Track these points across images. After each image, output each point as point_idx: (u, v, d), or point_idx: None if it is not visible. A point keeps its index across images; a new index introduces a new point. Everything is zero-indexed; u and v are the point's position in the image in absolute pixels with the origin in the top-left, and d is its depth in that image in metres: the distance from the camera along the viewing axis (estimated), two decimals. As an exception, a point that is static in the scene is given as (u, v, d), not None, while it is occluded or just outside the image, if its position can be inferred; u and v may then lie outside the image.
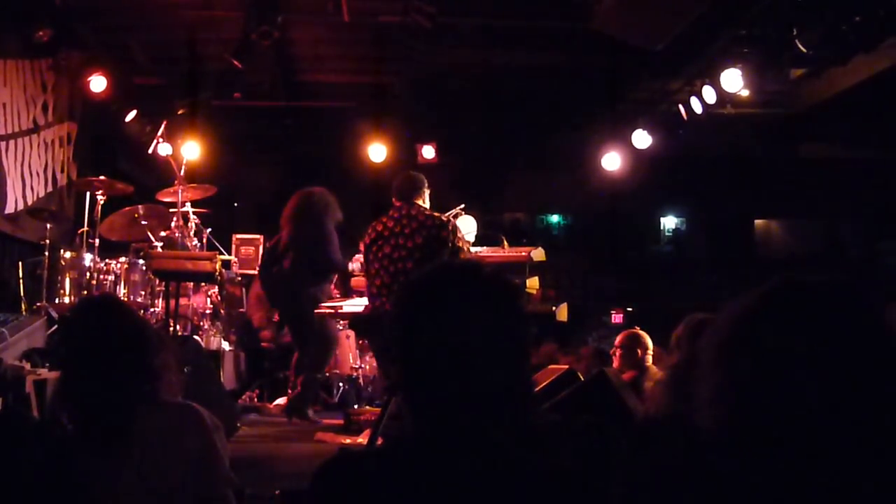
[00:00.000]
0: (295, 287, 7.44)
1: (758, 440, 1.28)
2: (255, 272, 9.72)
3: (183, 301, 8.20)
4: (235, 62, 8.76)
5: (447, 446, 1.64)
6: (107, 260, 8.12)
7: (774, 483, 1.26)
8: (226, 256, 9.35)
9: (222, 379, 7.79)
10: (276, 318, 8.83)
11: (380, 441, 5.55)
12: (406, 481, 1.61)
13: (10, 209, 8.51)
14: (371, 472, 1.65)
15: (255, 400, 8.74)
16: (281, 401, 8.20)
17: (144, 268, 8.02)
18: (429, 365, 1.66)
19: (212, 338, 8.61)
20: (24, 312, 7.50)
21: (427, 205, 6.25)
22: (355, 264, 7.53)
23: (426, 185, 6.30)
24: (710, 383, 1.36)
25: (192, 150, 9.90)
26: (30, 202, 8.84)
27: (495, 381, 1.65)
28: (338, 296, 7.96)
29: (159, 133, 9.32)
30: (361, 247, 6.40)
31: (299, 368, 7.49)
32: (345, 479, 1.66)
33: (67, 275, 7.88)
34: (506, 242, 7.06)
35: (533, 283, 6.32)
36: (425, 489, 1.60)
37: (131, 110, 9.72)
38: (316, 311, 6.96)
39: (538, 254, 6.43)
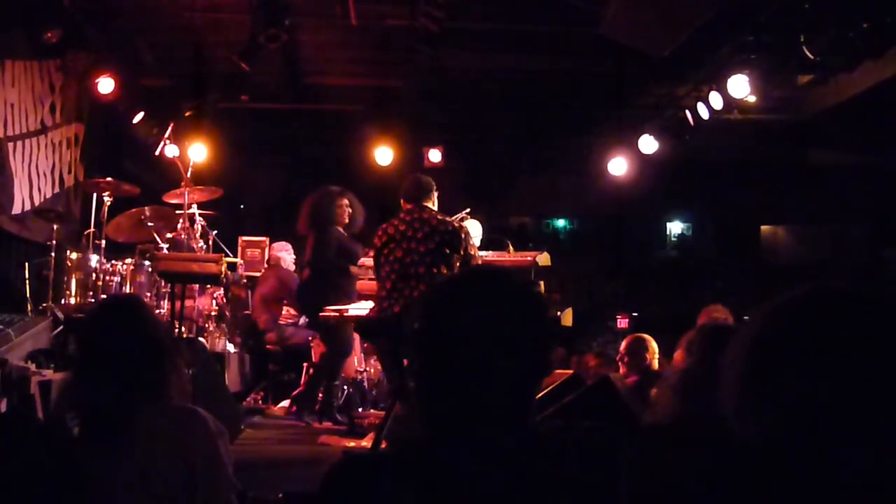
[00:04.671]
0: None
1: (796, 447, 1.26)
2: (261, 274, 9.74)
3: (188, 303, 8.21)
4: (243, 65, 8.76)
5: (456, 450, 1.63)
6: (113, 261, 8.14)
7: (814, 488, 1.24)
8: (231, 259, 9.38)
9: (227, 381, 7.79)
10: (280, 320, 8.84)
11: (384, 444, 5.55)
12: (414, 485, 1.61)
13: (17, 210, 8.50)
14: (379, 475, 1.65)
15: (260, 402, 8.76)
16: (285, 403, 8.20)
17: (150, 269, 8.03)
18: (449, 366, 1.66)
19: (217, 340, 8.63)
20: (29, 313, 7.51)
21: (435, 208, 6.19)
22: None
23: (434, 188, 6.23)
24: (746, 389, 1.34)
25: (198, 152, 9.94)
26: (37, 203, 8.83)
27: (513, 389, 1.65)
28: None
29: (166, 135, 9.34)
30: (371, 251, 6.34)
31: None
32: (353, 482, 1.66)
33: (73, 276, 7.90)
34: (511, 247, 7.07)
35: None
36: (433, 493, 1.60)
37: (138, 112, 9.71)
38: (321, 315, 6.92)
39: (543, 258, 6.42)
